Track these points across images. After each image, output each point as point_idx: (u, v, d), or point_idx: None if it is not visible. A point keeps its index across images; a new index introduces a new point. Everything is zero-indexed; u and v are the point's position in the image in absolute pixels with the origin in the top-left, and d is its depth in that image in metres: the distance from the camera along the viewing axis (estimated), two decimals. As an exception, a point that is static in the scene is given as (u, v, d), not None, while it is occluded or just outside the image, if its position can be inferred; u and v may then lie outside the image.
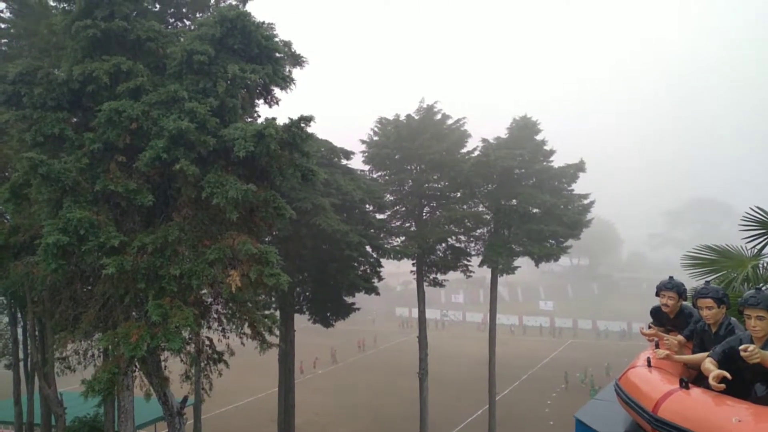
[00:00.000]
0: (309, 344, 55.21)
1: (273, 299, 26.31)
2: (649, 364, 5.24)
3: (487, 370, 33.83)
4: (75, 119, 13.46)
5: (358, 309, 31.73)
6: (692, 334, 5.67)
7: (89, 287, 14.05)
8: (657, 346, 5.98)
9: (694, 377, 4.93)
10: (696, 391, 4.16)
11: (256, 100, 14.92)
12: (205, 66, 12.89)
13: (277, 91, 14.83)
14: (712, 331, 5.12)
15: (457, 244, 32.47)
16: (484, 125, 34.95)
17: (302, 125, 13.06)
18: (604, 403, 6.25)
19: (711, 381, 3.90)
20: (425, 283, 33.34)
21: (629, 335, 79.57)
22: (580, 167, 30.64)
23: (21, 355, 28.35)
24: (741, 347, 3.84)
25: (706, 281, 7.86)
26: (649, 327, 6.42)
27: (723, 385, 3.85)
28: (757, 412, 3.59)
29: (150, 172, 12.86)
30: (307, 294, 30.95)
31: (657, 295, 6.27)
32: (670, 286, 6.14)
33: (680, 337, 5.60)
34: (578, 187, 31.68)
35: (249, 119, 15.53)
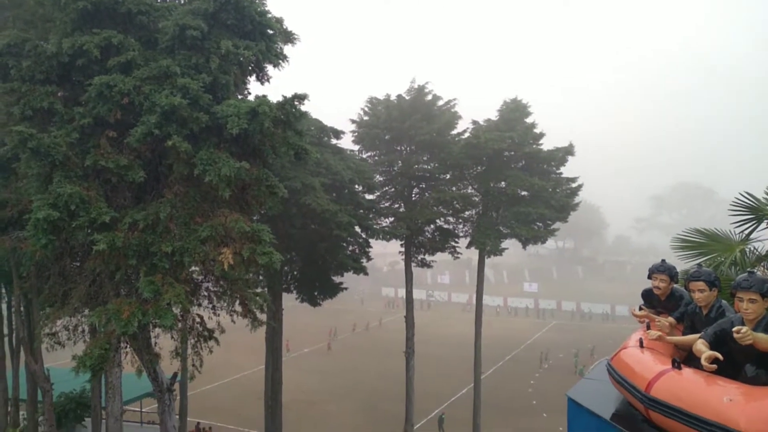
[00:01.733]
0: (296, 323, 55.44)
1: (261, 278, 26.30)
2: (641, 345, 5.36)
3: (472, 351, 34.24)
4: (64, 93, 13.22)
5: (346, 288, 31.83)
6: (683, 316, 5.77)
7: (78, 263, 13.93)
8: (648, 327, 6.11)
9: (684, 358, 5.05)
10: (688, 372, 4.26)
11: (248, 77, 14.73)
12: (198, 41, 12.72)
13: (269, 69, 14.68)
14: (704, 314, 5.21)
15: (446, 226, 32.56)
16: (475, 111, 34.81)
17: (296, 103, 12.98)
18: (595, 383, 6.35)
19: (703, 362, 3.99)
20: (413, 264, 33.50)
21: (612, 317, 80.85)
22: (568, 150, 30.76)
23: (5, 330, 28.14)
24: (734, 329, 3.92)
25: (698, 264, 8.02)
26: (640, 308, 6.54)
27: (714, 366, 3.94)
28: (748, 391, 3.69)
29: (141, 148, 12.74)
30: (295, 273, 30.96)
31: (649, 277, 6.37)
32: (662, 269, 6.23)
33: (671, 319, 5.69)
34: (565, 170, 31.91)
35: (240, 96, 15.36)
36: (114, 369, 14.89)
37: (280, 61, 14.26)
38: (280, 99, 13.02)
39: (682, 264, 8.57)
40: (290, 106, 12.88)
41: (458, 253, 33.15)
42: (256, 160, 13.42)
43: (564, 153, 30.74)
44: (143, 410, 36.44)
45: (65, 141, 12.08)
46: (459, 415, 38.41)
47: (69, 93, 13.30)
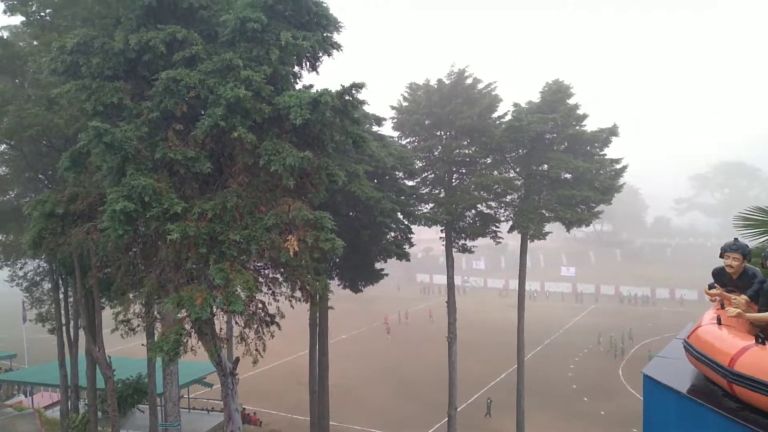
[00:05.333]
0: (337, 309, 56.19)
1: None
2: (719, 322, 5.45)
3: (508, 336, 34.29)
4: (131, 88, 13.65)
5: (387, 275, 32.13)
6: (756, 294, 5.82)
7: (145, 253, 14.45)
8: (722, 306, 6.17)
9: (758, 334, 5.14)
10: None
11: (303, 68, 14.96)
12: (258, 34, 12.97)
13: (323, 58, 14.88)
14: None
15: (487, 210, 32.46)
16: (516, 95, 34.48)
17: (353, 92, 13.18)
18: (669, 360, 6.46)
19: None
20: (454, 250, 33.57)
21: (653, 301, 79.69)
22: (613, 131, 30.35)
23: (63, 320, 29.25)
24: None
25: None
26: (712, 287, 6.59)
27: None
28: None
29: (205, 139, 13.10)
30: (337, 260, 31.33)
31: (721, 256, 6.40)
32: (735, 248, 6.24)
33: (745, 297, 5.77)
34: (609, 151, 31.49)
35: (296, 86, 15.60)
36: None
37: (335, 50, 14.47)
38: (339, 88, 13.23)
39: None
40: (349, 95, 13.11)
41: (500, 238, 33.09)
42: (314, 149, 13.69)
43: (608, 134, 30.36)
44: (191, 396, 37.66)
45: (135, 135, 12.52)
46: (500, 399, 38.67)
47: (135, 88, 13.72)
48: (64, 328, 29.05)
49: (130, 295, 14.42)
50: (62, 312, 28.72)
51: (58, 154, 17.86)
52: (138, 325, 16.63)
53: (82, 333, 24.75)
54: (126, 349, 37.16)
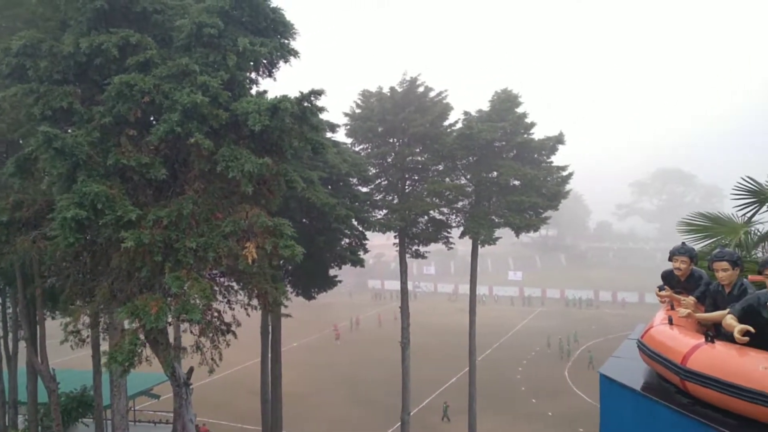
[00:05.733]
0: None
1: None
2: (670, 323, 5.81)
3: (459, 339, 34.71)
4: (81, 93, 13.25)
5: (341, 281, 32.16)
6: (703, 295, 6.20)
7: (97, 261, 14.02)
8: (672, 307, 6.55)
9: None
10: (720, 344, 4.70)
11: (260, 74, 14.88)
12: (215, 39, 12.84)
13: (281, 65, 14.83)
14: (726, 292, 5.61)
15: (439, 216, 32.99)
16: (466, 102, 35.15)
17: (313, 99, 13.22)
18: (624, 360, 6.79)
19: (736, 334, 4.42)
20: (407, 255, 33.89)
21: (596, 304, 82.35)
22: (559, 139, 31.37)
23: (1, 332, 27.93)
24: None
25: (722, 245, 8.50)
26: (662, 289, 6.96)
27: (747, 338, 4.40)
28: None
29: (160, 145, 12.86)
30: (290, 267, 31.13)
31: (670, 259, 6.78)
32: (683, 251, 6.61)
33: (692, 298, 6.12)
34: (555, 159, 32.49)
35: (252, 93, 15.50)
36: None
37: (292, 57, 14.45)
38: (297, 95, 13.22)
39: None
40: (308, 102, 13.12)
41: (451, 243, 33.66)
42: (274, 155, 13.62)
43: (555, 142, 31.37)
44: (136, 408, 36.52)
45: (87, 140, 12.16)
46: (453, 402, 39.16)
47: (86, 92, 13.33)
48: (1, 341, 27.75)
49: (80, 305, 13.94)
50: (-1, 323, 27.46)
51: (0, 159, 17.16)
52: (88, 336, 16.11)
53: (22, 345, 23.71)
54: (71, 360, 35.78)
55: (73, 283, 13.87)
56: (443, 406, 38.91)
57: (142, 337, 12.82)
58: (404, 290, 34.16)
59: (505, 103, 31.11)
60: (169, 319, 13.25)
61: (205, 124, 12.59)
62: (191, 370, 16.11)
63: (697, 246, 8.82)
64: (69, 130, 12.86)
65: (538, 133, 31.78)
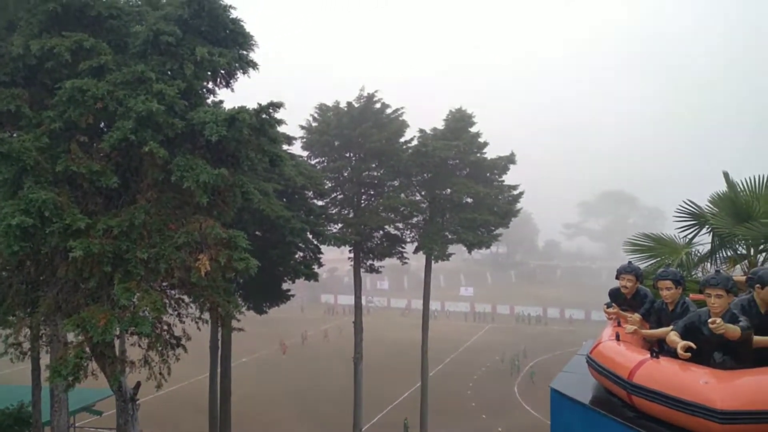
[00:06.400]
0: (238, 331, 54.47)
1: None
2: (618, 339, 6.04)
3: (412, 354, 34.82)
4: (30, 96, 12.82)
5: (293, 296, 31.83)
6: (648, 312, 6.48)
7: (43, 271, 13.49)
8: (618, 323, 6.81)
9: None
10: (665, 360, 4.95)
11: (218, 84, 14.75)
12: (172, 47, 12.67)
13: (238, 76, 14.75)
14: (669, 309, 5.90)
15: (394, 232, 33.21)
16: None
17: (271, 111, 13.17)
18: (573, 375, 7.01)
19: (679, 350, 4.69)
20: (361, 270, 33.90)
21: (545, 320, 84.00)
22: (510, 159, 32.19)
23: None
24: (710, 320, 4.60)
25: (666, 265, 8.87)
26: (609, 306, 7.23)
27: (689, 354, 4.66)
28: (718, 375, 4.41)
29: (113, 153, 12.54)
30: (241, 280, 30.62)
31: (617, 278, 7.06)
32: (629, 270, 6.91)
33: (638, 315, 6.33)
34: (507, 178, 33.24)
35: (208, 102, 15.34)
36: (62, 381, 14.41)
37: (251, 68, 14.40)
38: (256, 106, 13.16)
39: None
40: (266, 114, 13.06)
41: (406, 258, 33.86)
42: (230, 166, 13.47)
43: (506, 161, 32.13)
44: (77, 425, 35.02)
45: (35, 145, 11.75)
46: (403, 418, 39.03)
47: (35, 96, 12.90)
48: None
49: (22, 316, 13.35)
50: None
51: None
52: (30, 349, 15.40)
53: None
54: (9, 375, 34.19)
55: (15, 293, 13.28)
56: (404, 422, 38.54)
57: (88, 350, 12.36)
58: (358, 305, 34.13)
59: (460, 122, 31.73)
60: (117, 332, 12.84)
61: (160, 133, 12.36)
62: (138, 384, 15.61)
63: (642, 265, 9.15)
64: (15, 134, 12.37)
65: (491, 153, 32.55)
